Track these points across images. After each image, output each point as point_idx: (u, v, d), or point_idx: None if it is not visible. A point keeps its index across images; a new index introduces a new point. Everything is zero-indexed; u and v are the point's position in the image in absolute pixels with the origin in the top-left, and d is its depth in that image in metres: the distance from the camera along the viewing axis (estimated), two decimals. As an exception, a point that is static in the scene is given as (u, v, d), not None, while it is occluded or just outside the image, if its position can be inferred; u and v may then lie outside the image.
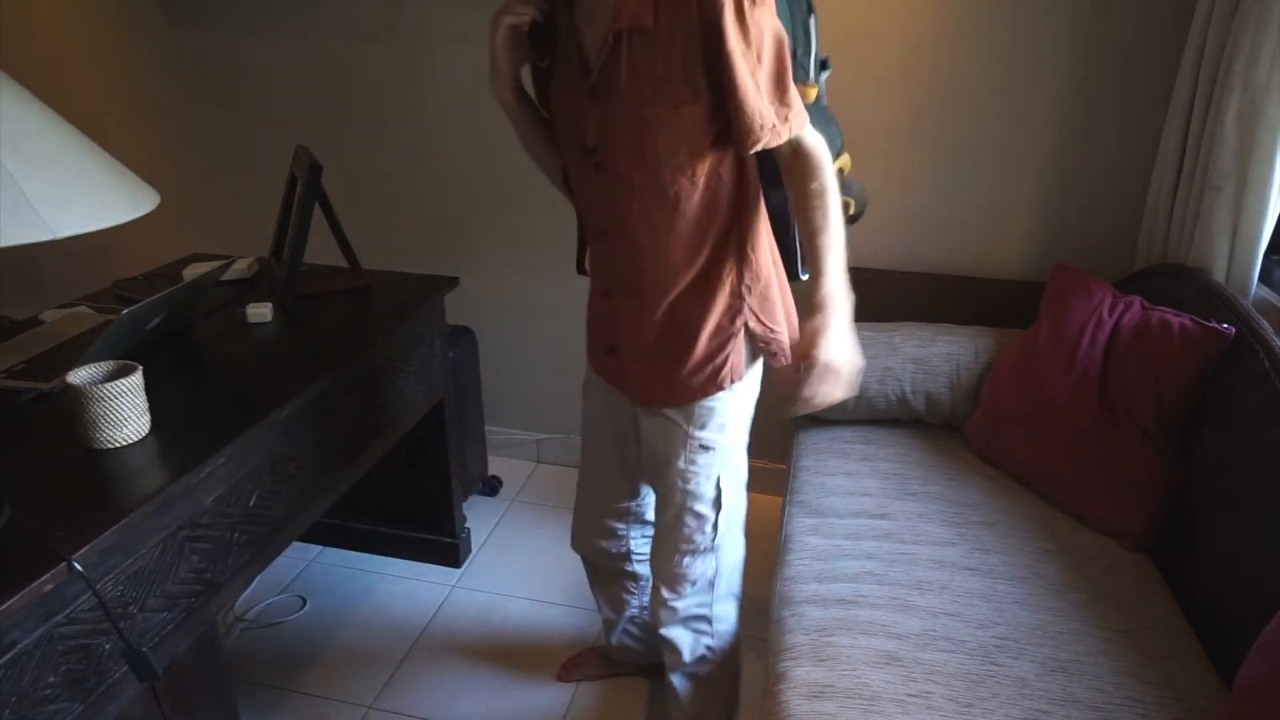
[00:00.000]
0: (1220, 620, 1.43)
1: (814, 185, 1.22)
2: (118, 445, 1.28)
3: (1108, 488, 1.68)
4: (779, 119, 1.18)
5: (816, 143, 1.23)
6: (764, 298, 1.38)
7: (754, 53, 1.14)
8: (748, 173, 1.30)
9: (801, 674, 1.34)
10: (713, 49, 1.14)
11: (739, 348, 1.37)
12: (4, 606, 0.95)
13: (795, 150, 1.22)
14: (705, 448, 1.41)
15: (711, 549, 1.49)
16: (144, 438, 1.31)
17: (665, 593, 1.53)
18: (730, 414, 1.41)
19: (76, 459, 1.25)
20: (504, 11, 1.29)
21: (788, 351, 1.40)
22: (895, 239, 2.29)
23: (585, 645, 2.02)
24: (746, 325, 1.36)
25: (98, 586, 1.10)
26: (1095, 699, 1.29)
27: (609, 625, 1.86)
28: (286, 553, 2.26)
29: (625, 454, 1.56)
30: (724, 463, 1.44)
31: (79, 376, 1.28)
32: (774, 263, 1.41)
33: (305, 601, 2.18)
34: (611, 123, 1.24)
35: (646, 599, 1.79)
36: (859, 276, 2.25)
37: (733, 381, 1.38)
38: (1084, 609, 1.47)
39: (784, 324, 1.42)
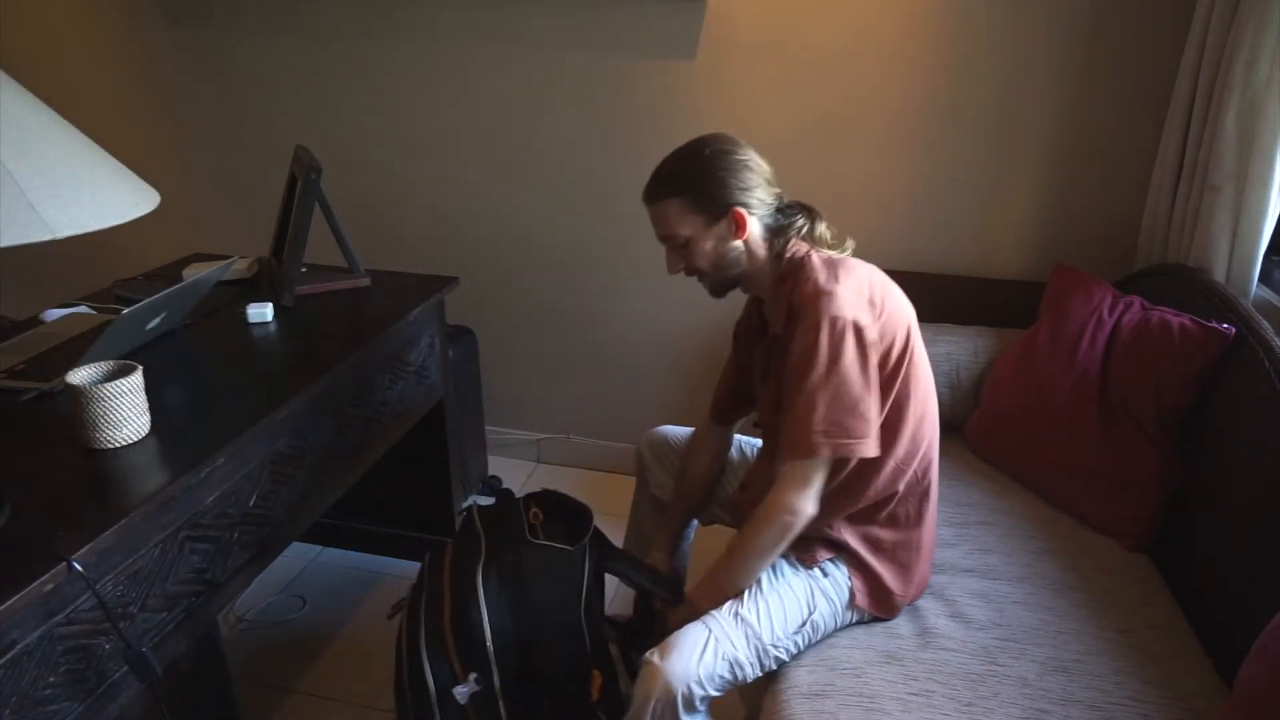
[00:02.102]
0: (1220, 620, 1.43)
1: (760, 521, 1.37)
2: (118, 445, 1.28)
3: (1108, 487, 1.68)
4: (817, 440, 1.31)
5: (788, 498, 1.34)
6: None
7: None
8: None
9: (802, 674, 1.34)
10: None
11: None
12: (4, 606, 0.95)
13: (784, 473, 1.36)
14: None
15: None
16: (144, 438, 1.31)
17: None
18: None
19: (76, 459, 1.25)
20: None
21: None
22: (895, 239, 2.30)
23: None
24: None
25: (98, 586, 1.10)
26: (1095, 698, 1.29)
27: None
28: (286, 553, 2.25)
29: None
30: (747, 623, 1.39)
31: (79, 376, 1.28)
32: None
33: (305, 601, 2.17)
34: (768, 408, 1.48)
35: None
36: (859, 276, 2.26)
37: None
38: (1084, 609, 1.47)
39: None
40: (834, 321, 1.29)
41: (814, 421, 1.30)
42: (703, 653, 1.34)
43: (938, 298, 2.21)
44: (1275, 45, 1.62)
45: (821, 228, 1.43)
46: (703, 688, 1.33)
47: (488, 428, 2.71)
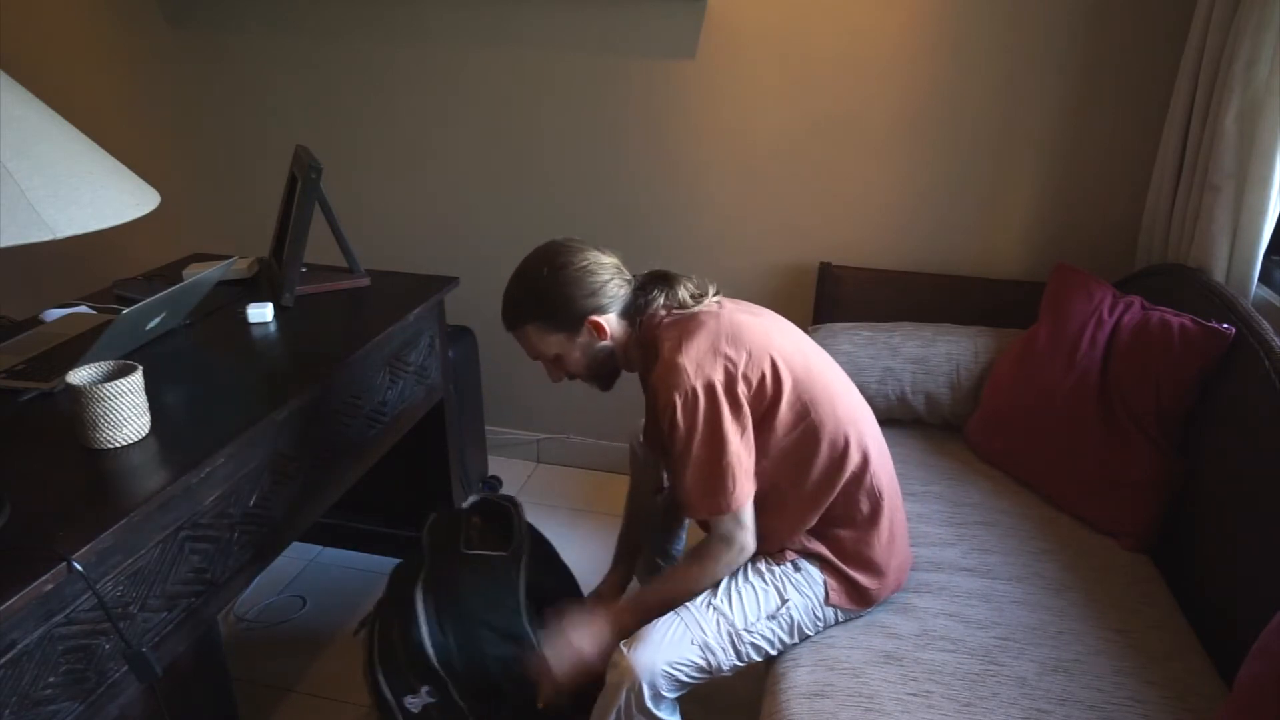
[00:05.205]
0: (1220, 620, 1.43)
1: (703, 557, 1.41)
2: (118, 445, 1.28)
3: (1108, 488, 1.68)
4: (701, 506, 1.38)
5: (728, 533, 1.39)
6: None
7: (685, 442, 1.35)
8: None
9: (801, 674, 1.34)
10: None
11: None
12: (4, 606, 0.95)
13: (711, 528, 1.42)
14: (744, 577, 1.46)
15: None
16: (144, 438, 1.31)
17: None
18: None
19: (76, 459, 1.25)
20: None
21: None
22: (895, 239, 2.30)
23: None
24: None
25: (98, 586, 1.10)
26: (1095, 698, 1.29)
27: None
28: (286, 553, 2.26)
29: None
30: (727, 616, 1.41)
31: (79, 376, 1.28)
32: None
33: (305, 601, 2.18)
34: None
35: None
36: (860, 276, 2.27)
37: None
38: (1084, 609, 1.47)
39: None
40: (684, 394, 1.33)
41: (695, 491, 1.37)
42: (672, 638, 1.36)
43: (938, 298, 2.21)
44: (1275, 45, 1.62)
45: (682, 292, 1.46)
46: (672, 675, 1.35)
47: (488, 428, 2.71)
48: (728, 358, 1.35)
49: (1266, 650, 1.04)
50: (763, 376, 1.36)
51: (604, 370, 1.52)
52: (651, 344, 1.44)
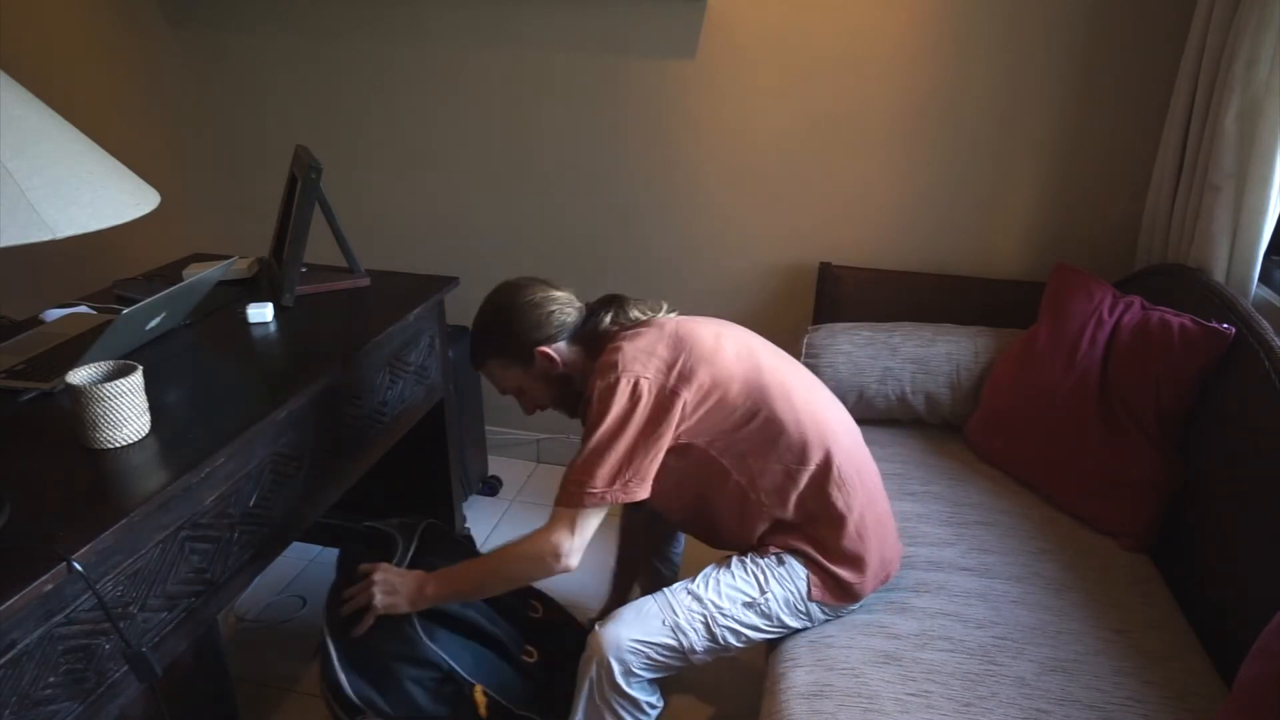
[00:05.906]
0: (1220, 620, 1.43)
1: (522, 544, 1.39)
2: (118, 445, 1.28)
3: (1108, 488, 1.68)
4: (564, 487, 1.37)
5: (555, 529, 1.36)
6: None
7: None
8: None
9: (800, 674, 1.34)
10: None
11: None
12: (4, 606, 0.95)
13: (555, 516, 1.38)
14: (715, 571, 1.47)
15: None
16: (144, 438, 1.31)
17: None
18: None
19: (76, 459, 1.25)
20: None
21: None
22: (895, 239, 2.30)
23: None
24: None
25: (98, 586, 1.10)
26: (1095, 698, 1.29)
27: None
28: (286, 553, 2.25)
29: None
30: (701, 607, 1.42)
31: (79, 376, 1.28)
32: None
33: (305, 601, 2.18)
34: None
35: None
36: (860, 276, 2.27)
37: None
38: (1083, 609, 1.47)
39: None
40: (608, 381, 1.37)
41: (571, 470, 1.37)
42: (643, 616, 1.38)
43: (938, 298, 2.21)
44: (1275, 45, 1.62)
45: (634, 311, 1.51)
46: (642, 653, 1.36)
47: (488, 428, 2.71)
48: (664, 358, 1.39)
49: (1266, 650, 1.04)
50: (706, 376, 1.40)
51: (566, 395, 1.57)
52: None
